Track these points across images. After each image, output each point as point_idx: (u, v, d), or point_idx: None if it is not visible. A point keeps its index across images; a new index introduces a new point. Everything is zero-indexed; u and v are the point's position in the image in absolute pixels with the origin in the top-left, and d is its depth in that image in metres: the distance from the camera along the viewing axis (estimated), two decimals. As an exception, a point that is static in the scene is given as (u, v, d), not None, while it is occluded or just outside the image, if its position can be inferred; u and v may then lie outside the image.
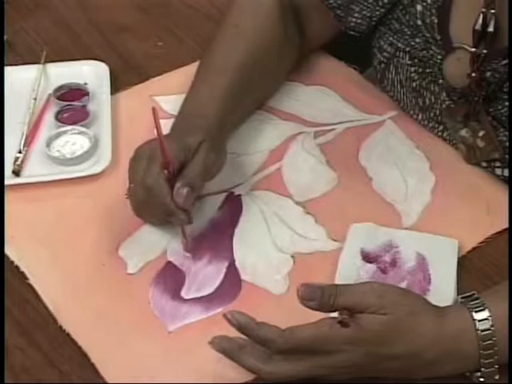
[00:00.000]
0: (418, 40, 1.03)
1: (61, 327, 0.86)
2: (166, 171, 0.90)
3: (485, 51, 0.94)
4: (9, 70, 1.14)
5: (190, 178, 0.91)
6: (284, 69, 1.13)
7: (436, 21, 0.99)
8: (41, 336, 0.86)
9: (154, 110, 0.86)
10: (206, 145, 0.94)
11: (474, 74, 0.96)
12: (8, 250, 0.93)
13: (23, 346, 0.85)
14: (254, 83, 1.06)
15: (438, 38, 1.00)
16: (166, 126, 1.09)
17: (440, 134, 1.07)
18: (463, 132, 1.01)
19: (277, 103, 1.12)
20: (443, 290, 0.89)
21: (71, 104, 1.10)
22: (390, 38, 1.06)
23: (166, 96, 1.13)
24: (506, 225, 0.95)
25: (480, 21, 0.93)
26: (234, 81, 1.03)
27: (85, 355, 0.84)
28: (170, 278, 0.91)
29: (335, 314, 0.78)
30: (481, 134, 0.99)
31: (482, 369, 0.79)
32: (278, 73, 1.12)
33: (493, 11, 0.92)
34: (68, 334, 0.86)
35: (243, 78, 1.04)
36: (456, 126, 1.02)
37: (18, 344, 0.85)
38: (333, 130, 1.09)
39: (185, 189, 0.90)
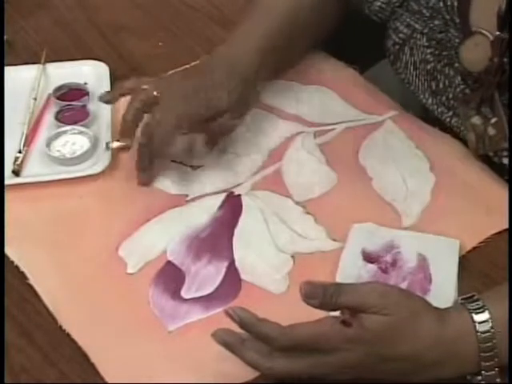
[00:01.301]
0: (436, 22, 1.03)
1: (61, 327, 0.86)
2: None
3: (508, 36, 0.93)
4: (9, 70, 1.14)
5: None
6: (327, 24, 1.15)
7: (456, 3, 0.99)
8: (41, 336, 0.86)
9: None
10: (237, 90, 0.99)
11: (495, 59, 0.95)
12: (8, 250, 0.93)
13: (23, 345, 0.85)
14: (301, 29, 1.09)
15: (457, 20, 1.00)
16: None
17: (449, 120, 1.06)
18: (475, 119, 1.00)
19: (277, 103, 1.12)
20: (444, 290, 0.89)
21: (71, 104, 1.10)
22: (408, 20, 1.06)
23: (166, 96, 1.13)
24: (505, 225, 0.95)
25: (504, 6, 0.92)
26: (281, 22, 1.06)
27: (85, 355, 0.84)
28: (170, 278, 0.91)
29: (337, 313, 0.78)
30: (493, 121, 0.98)
31: (483, 372, 0.79)
32: (321, 25, 1.14)
33: None
34: (68, 334, 0.86)
35: (292, 21, 1.07)
36: (468, 112, 1.01)
37: (18, 344, 0.85)
38: (333, 129, 1.09)
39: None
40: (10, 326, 0.86)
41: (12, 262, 0.92)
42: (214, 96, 0.99)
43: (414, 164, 1.04)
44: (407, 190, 1.01)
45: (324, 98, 1.14)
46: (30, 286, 0.90)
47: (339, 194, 1.01)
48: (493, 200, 0.99)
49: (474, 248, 0.94)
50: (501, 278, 0.89)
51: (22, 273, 0.91)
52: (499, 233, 0.95)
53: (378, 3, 1.09)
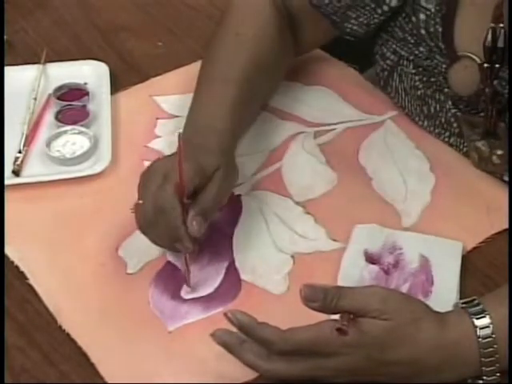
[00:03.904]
0: (421, 49, 1.02)
1: (61, 327, 0.86)
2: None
3: (497, 65, 0.93)
4: (9, 70, 1.14)
5: (204, 207, 0.88)
6: (281, 72, 1.12)
7: (440, 29, 0.98)
8: (41, 336, 0.86)
9: (178, 135, 0.84)
10: (221, 172, 0.91)
11: (487, 90, 0.95)
12: (8, 250, 0.93)
13: (23, 345, 0.85)
14: (258, 90, 1.06)
15: (443, 46, 0.99)
16: (166, 125, 1.10)
17: (447, 140, 1.06)
18: (480, 144, 1.00)
19: (277, 103, 1.12)
20: (446, 293, 0.89)
21: (71, 104, 1.10)
22: (394, 46, 1.06)
23: (166, 96, 1.14)
24: (506, 225, 0.95)
25: (489, 37, 0.92)
26: (241, 91, 1.01)
27: (84, 355, 0.84)
28: (170, 278, 0.91)
29: (337, 316, 0.78)
30: (499, 152, 0.99)
31: (484, 377, 0.79)
32: (276, 77, 1.11)
33: (501, 25, 0.91)
34: (68, 334, 0.86)
35: (249, 88, 1.02)
36: (473, 136, 1.01)
37: (18, 344, 0.85)
38: (333, 129, 1.09)
39: (199, 217, 0.87)
40: (10, 326, 0.86)
41: (12, 262, 0.92)
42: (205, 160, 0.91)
43: (413, 164, 1.04)
44: (407, 190, 1.01)
45: (324, 98, 1.14)
46: (30, 286, 0.90)
47: (339, 194, 1.01)
48: (493, 200, 0.99)
49: (474, 248, 0.94)
50: (501, 278, 0.89)
51: (22, 273, 0.91)
52: (499, 233, 0.95)
53: (349, 25, 1.06)
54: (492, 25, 0.92)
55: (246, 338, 0.79)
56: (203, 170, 0.89)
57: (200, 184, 0.89)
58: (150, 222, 0.88)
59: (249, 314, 0.78)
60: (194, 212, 0.87)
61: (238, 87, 1.01)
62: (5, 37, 1.20)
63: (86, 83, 1.13)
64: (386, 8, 1.02)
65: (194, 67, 1.15)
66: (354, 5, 1.03)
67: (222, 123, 0.97)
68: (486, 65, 0.94)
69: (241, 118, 1.01)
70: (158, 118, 1.11)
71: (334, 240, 0.95)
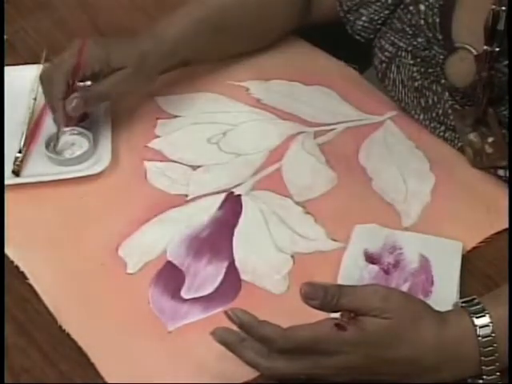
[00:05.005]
0: (419, 39, 1.03)
1: (61, 327, 0.86)
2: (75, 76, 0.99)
3: (497, 49, 0.93)
4: (9, 70, 1.14)
5: (89, 93, 1.00)
6: (277, 25, 1.16)
7: (438, 20, 0.99)
8: (41, 336, 0.86)
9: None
10: (126, 72, 1.00)
11: (483, 74, 0.95)
12: (8, 250, 0.93)
13: (23, 345, 0.85)
14: (235, 25, 1.12)
15: (440, 37, 1.00)
16: (166, 125, 1.10)
17: (442, 134, 1.06)
18: (472, 136, 1.01)
19: (277, 103, 1.12)
20: (446, 293, 0.89)
21: (71, 104, 1.10)
22: (392, 38, 1.06)
23: (166, 96, 1.14)
24: (506, 225, 0.95)
25: (490, 20, 0.92)
26: (208, 17, 1.10)
27: (85, 355, 0.84)
28: (170, 278, 0.91)
29: (337, 315, 0.78)
30: (490, 140, 0.99)
31: (484, 376, 0.79)
32: (267, 19, 1.16)
33: (503, 8, 0.91)
34: (68, 334, 0.86)
35: (222, 17, 1.10)
36: (465, 129, 1.01)
37: (18, 344, 0.85)
38: (333, 129, 1.09)
39: (79, 99, 0.98)
40: (10, 326, 0.86)
41: (12, 262, 0.92)
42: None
43: (414, 164, 1.04)
44: (407, 190, 1.01)
45: (324, 98, 1.14)
46: (30, 286, 0.90)
47: (339, 194, 1.01)
48: (493, 200, 0.99)
49: (474, 248, 0.94)
50: (501, 278, 0.89)
51: (22, 273, 0.91)
52: (499, 233, 0.95)
53: (361, 22, 1.09)
54: (493, 7, 0.92)
55: (246, 337, 0.78)
56: (108, 60, 1.00)
57: (101, 72, 1.00)
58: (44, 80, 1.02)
59: (249, 312, 0.78)
60: (78, 94, 0.99)
61: (207, 12, 1.10)
62: (5, 37, 1.20)
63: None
64: (389, 0, 1.03)
65: (194, 67, 1.16)
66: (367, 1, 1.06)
67: (168, 33, 1.07)
68: (485, 47, 0.94)
69: (196, 40, 1.08)
70: (157, 118, 1.11)
71: (334, 240, 0.95)
